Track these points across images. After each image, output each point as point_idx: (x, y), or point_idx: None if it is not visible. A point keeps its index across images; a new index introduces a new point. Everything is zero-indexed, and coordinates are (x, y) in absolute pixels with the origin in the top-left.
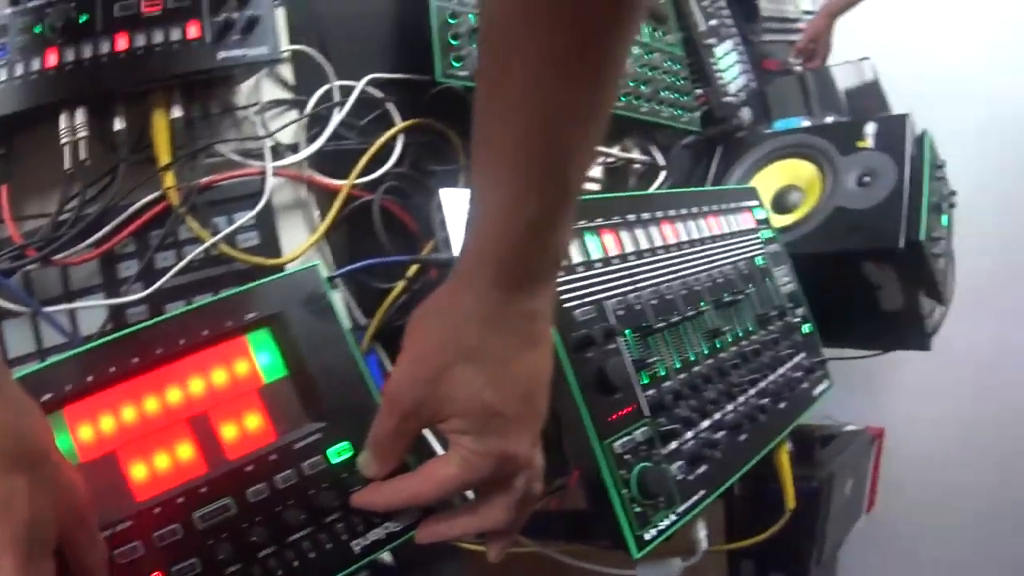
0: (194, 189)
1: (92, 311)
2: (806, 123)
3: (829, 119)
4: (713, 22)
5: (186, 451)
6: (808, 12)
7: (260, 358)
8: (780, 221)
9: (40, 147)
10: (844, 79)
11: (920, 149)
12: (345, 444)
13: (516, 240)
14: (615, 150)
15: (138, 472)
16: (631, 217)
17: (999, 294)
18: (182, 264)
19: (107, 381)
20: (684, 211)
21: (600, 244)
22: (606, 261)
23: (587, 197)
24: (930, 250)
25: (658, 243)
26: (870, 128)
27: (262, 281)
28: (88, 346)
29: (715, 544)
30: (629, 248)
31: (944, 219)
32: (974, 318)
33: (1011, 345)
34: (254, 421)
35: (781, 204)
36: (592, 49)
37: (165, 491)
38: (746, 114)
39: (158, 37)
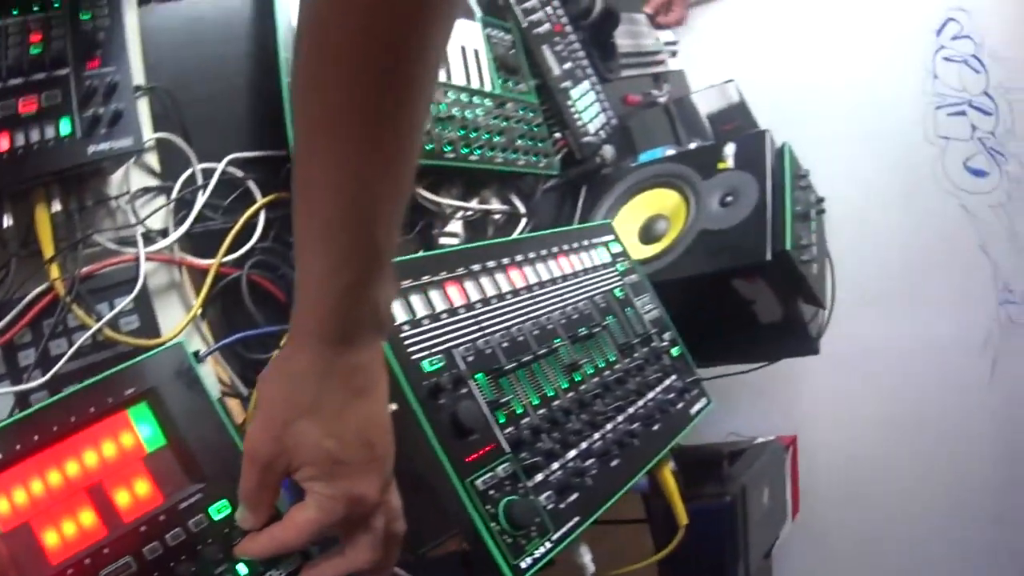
0: (77, 279)
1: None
2: (670, 152)
3: (694, 145)
4: (568, 65)
5: (88, 517)
6: (670, 43)
7: (141, 430)
8: (648, 251)
9: None
10: (708, 104)
11: (780, 162)
12: (224, 502)
13: (336, 302)
14: (473, 203)
15: (50, 539)
16: (475, 267)
17: (895, 290)
18: (72, 351)
19: (15, 458)
20: (532, 255)
21: (444, 296)
22: (452, 312)
23: (428, 253)
24: (799, 258)
25: (505, 289)
26: (729, 149)
27: (134, 360)
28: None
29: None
30: (475, 297)
31: (813, 225)
32: (869, 316)
33: (907, 338)
34: (143, 487)
35: (648, 234)
36: (387, 133)
37: (74, 554)
38: (609, 151)
39: (35, 135)
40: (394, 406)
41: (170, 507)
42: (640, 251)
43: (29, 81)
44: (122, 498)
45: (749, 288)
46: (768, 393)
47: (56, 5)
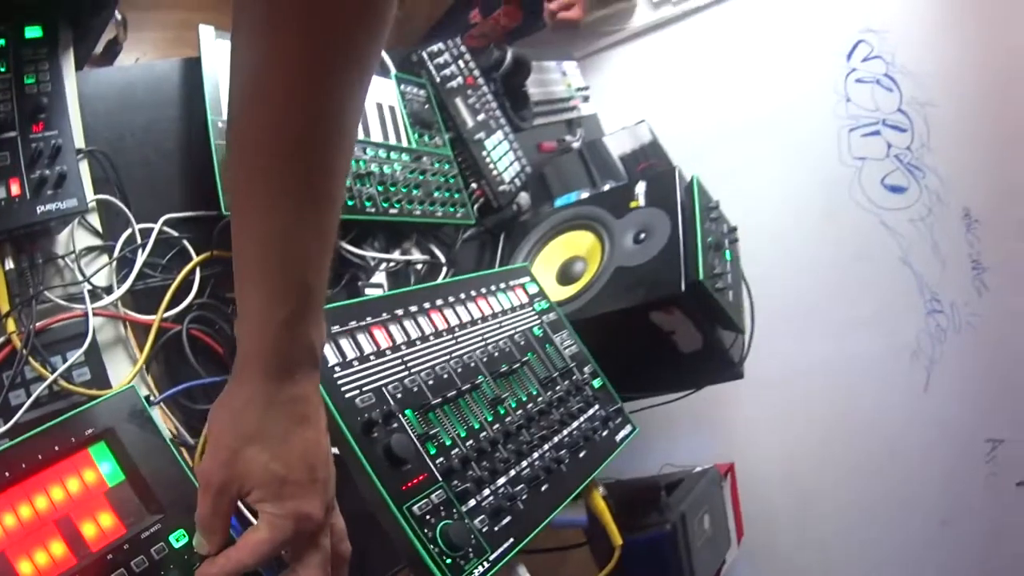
0: (32, 333)
1: None
2: (584, 195)
3: (607, 187)
4: (481, 117)
5: (58, 548)
6: (581, 88)
7: (102, 466)
8: (568, 292)
9: None
10: (622, 145)
11: (690, 196)
12: (181, 531)
13: (272, 339)
14: (396, 254)
15: (25, 568)
16: (398, 312)
17: (822, 310)
18: (30, 401)
19: None
20: (451, 299)
21: (372, 340)
22: (379, 353)
23: (355, 300)
24: (713, 286)
25: (428, 331)
26: (640, 188)
27: (92, 403)
28: None
29: None
30: (400, 340)
31: (727, 254)
32: (798, 337)
33: (838, 356)
34: (106, 519)
35: (567, 276)
36: (308, 191)
37: None
38: (524, 199)
39: None
40: (335, 450)
41: (132, 536)
42: (560, 292)
43: None
44: (88, 529)
45: (668, 320)
46: (704, 422)
47: (2, 69)
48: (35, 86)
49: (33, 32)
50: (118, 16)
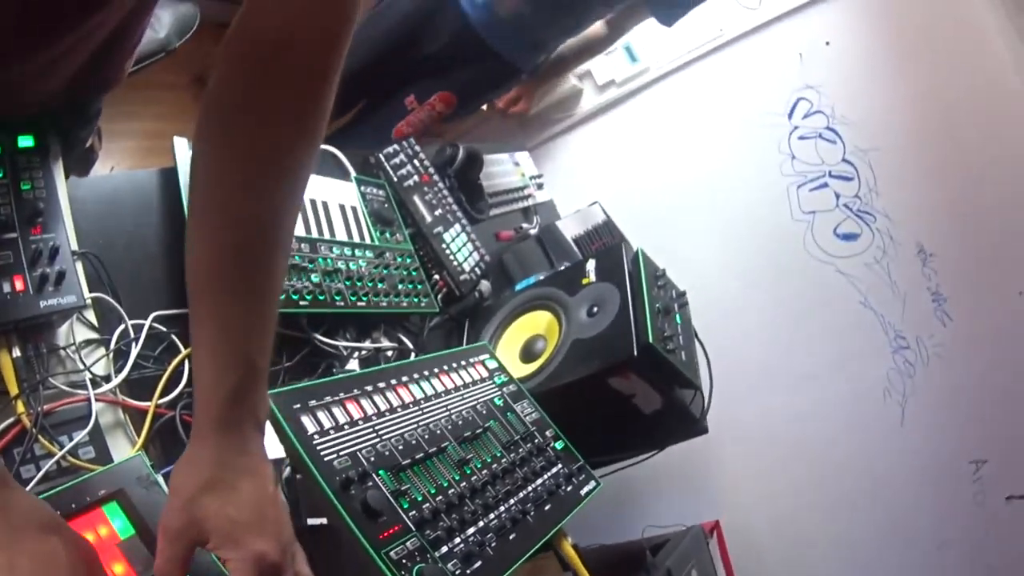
0: (40, 414)
1: None
2: (542, 276)
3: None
4: (439, 211)
5: None
6: (535, 176)
7: (115, 522)
8: (531, 368)
9: None
10: (576, 227)
11: (636, 267)
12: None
13: (222, 405)
14: (366, 343)
15: None
16: (368, 388)
17: (789, 362)
18: (40, 475)
19: None
20: (416, 375)
21: (346, 412)
22: (352, 423)
23: (330, 379)
24: (664, 348)
25: (395, 403)
26: (590, 265)
27: (105, 468)
28: None
29: None
30: (371, 411)
31: (678, 317)
32: (768, 390)
33: (811, 403)
34: (120, 568)
35: (529, 354)
36: (248, 290)
37: None
38: (485, 286)
39: None
40: (324, 520)
41: None
42: (524, 369)
43: None
44: None
45: (626, 384)
46: (686, 483)
47: (0, 175)
48: (31, 192)
49: (26, 141)
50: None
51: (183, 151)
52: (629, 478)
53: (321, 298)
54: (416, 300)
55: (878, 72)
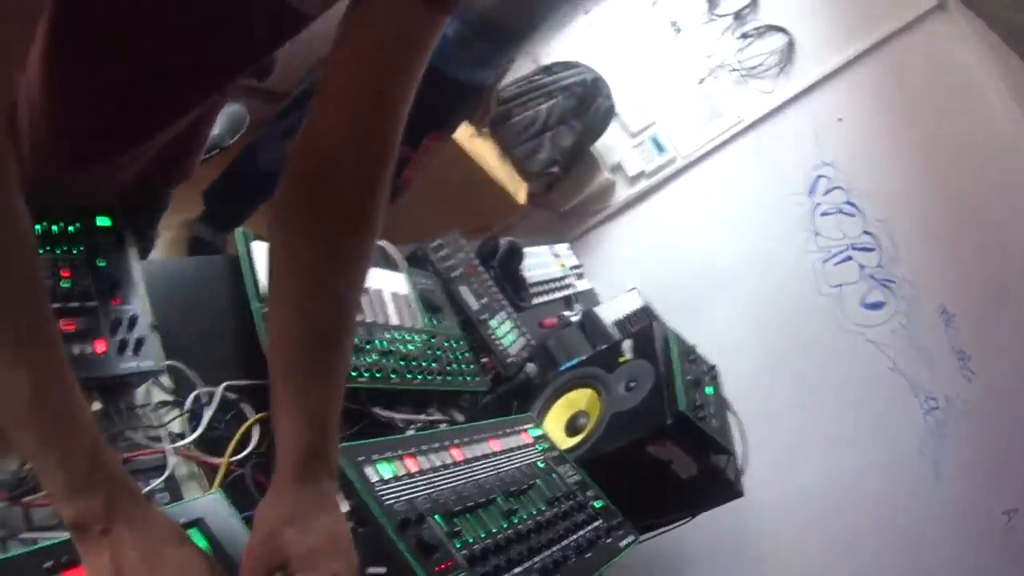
0: (120, 461)
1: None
2: (583, 358)
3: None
4: (484, 300)
5: None
6: (575, 267)
7: (199, 544)
8: (574, 441)
9: None
10: (616, 312)
11: (667, 346)
12: None
13: (300, 457)
14: (422, 416)
15: None
16: (424, 447)
17: (825, 432)
18: None
19: None
20: (467, 439)
21: (404, 465)
22: (410, 476)
23: (391, 437)
24: (696, 416)
25: (448, 461)
26: (626, 345)
27: (191, 499)
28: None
29: None
30: (426, 466)
31: (709, 389)
32: (804, 461)
33: (847, 471)
34: None
35: (573, 428)
36: (328, 358)
37: None
38: (531, 369)
39: (76, 350)
40: (383, 569)
41: None
42: (569, 442)
43: (65, 307)
44: None
45: (663, 451)
46: (722, 551)
47: (77, 251)
48: (107, 268)
49: (103, 222)
50: None
51: (242, 244)
52: (666, 544)
53: (378, 375)
54: (467, 379)
55: (890, 142)
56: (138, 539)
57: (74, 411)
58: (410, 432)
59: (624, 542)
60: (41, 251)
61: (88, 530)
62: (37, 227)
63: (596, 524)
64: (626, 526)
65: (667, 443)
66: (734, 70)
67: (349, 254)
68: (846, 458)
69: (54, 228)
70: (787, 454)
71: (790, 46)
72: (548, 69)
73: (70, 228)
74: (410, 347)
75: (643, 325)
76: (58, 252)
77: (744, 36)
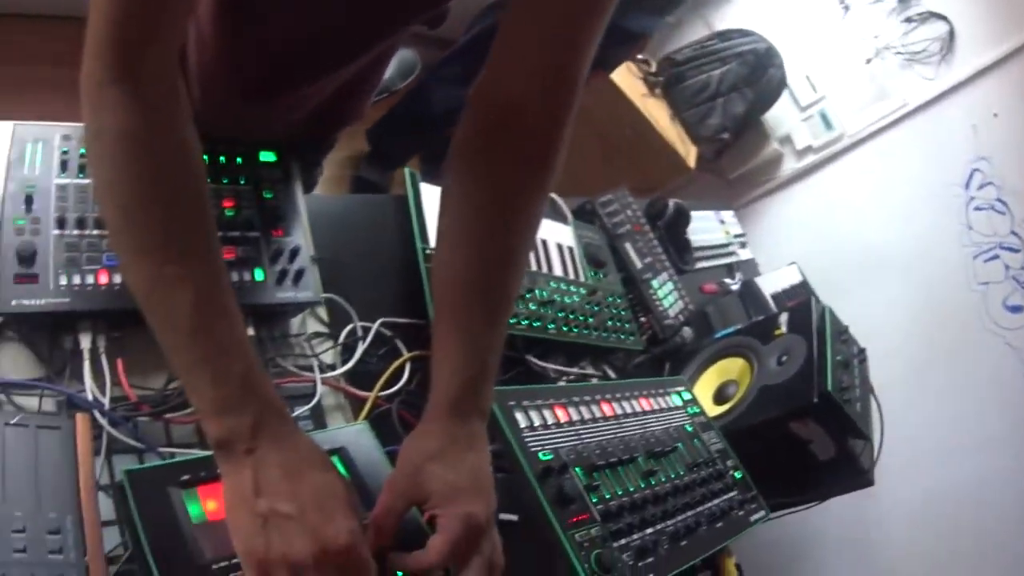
0: (272, 385)
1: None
2: (740, 327)
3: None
4: (648, 259)
5: None
6: (739, 235)
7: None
8: (721, 409)
9: (146, 337)
10: (774, 285)
11: (823, 323)
12: None
13: (456, 393)
14: (575, 369)
15: None
16: (575, 398)
17: (953, 434)
18: None
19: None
20: (619, 394)
21: (554, 414)
22: (558, 425)
23: (545, 385)
24: (842, 398)
25: (598, 415)
26: (783, 318)
27: (336, 427)
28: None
29: None
30: (576, 418)
31: (856, 371)
32: (930, 461)
33: (971, 480)
34: None
35: (721, 397)
36: (494, 304)
37: None
38: (687, 333)
39: (235, 276)
40: (515, 517)
41: None
42: (715, 410)
43: (226, 236)
44: None
45: (805, 430)
46: (845, 540)
47: (243, 182)
48: (272, 200)
49: (268, 157)
50: None
51: (413, 183)
52: (785, 523)
53: (536, 324)
54: (623, 337)
55: None
56: (282, 459)
57: (233, 332)
58: (563, 382)
59: (755, 516)
60: (208, 180)
61: (233, 448)
62: (204, 157)
63: (731, 495)
64: (759, 500)
65: (809, 422)
66: (898, 53)
67: (526, 199)
68: (980, 462)
69: (220, 159)
70: (921, 449)
71: (951, 35)
72: (723, 35)
73: (236, 160)
74: (570, 299)
75: (801, 300)
76: (224, 182)
77: (908, 20)
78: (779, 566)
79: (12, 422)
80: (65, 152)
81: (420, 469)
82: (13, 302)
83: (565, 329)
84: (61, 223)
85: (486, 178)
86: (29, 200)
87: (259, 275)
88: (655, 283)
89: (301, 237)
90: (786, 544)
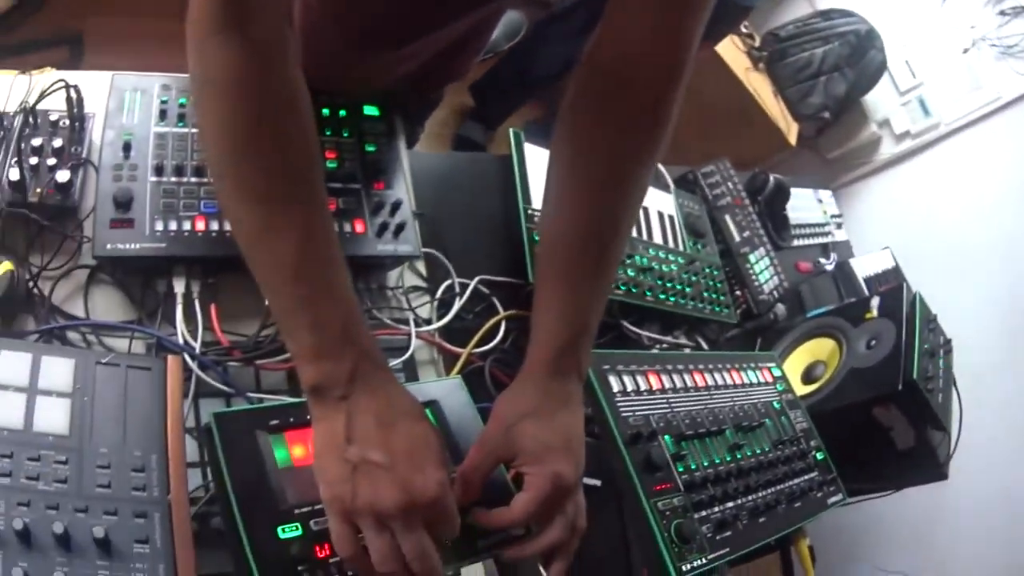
0: (370, 334)
1: None
2: (832, 308)
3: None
4: (746, 233)
5: None
6: (835, 216)
7: None
8: (808, 389)
9: (241, 284)
10: (868, 268)
11: (913, 309)
12: None
13: (555, 352)
14: (668, 338)
15: None
16: (669, 366)
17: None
18: None
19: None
20: (711, 366)
21: (647, 380)
22: (650, 392)
23: (640, 351)
24: (925, 387)
25: (690, 384)
26: (875, 301)
27: (429, 380)
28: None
29: None
30: (668, 385)
31: (941, 362)
32: (1009, 456)
33: None
34: None
35: (809, 376)
36: (602, 267)
37: None
38: (780, 310)
39: (335, 227)
40: (598, 483)
41: None
42: (802, 389)
43: (328, 188)
44: None
45: (887, 416)
46: (913, 533)
47: (346, 135)
48: (375, 153)
49: (371, 111)
50: None
51: (519, 143)
52: (856, 510)
53: (634, 290)
54: (717, 309)
55: None
56: (376, 408)
57: (335, 277)
58: (656, 350)
59: (832, 499)
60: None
61: (327, 394)
62: None
63: (811, 476)
64: (838, 483)
65: (893, 409)
66: (993, 45)
67: (635, 163)
68: None
69: (324, 112)
70: (998, 449)
71: None
72: (825, 14)
73: (340, 113)
74: (668, 268)
75: (893, 285)
76: (327, 134)
77: (1002, 13)
78: (842, 552)
79: (104, 361)
80: (164, 101)
81: (513, 426)
82: (108, 246)
83: (662, 297)
84: (159, 170)
85: (597, 140)
86: (127, 147)
87: (359, 227)
88: (752, 257)
89: (403, 191)
90: (850, 531)
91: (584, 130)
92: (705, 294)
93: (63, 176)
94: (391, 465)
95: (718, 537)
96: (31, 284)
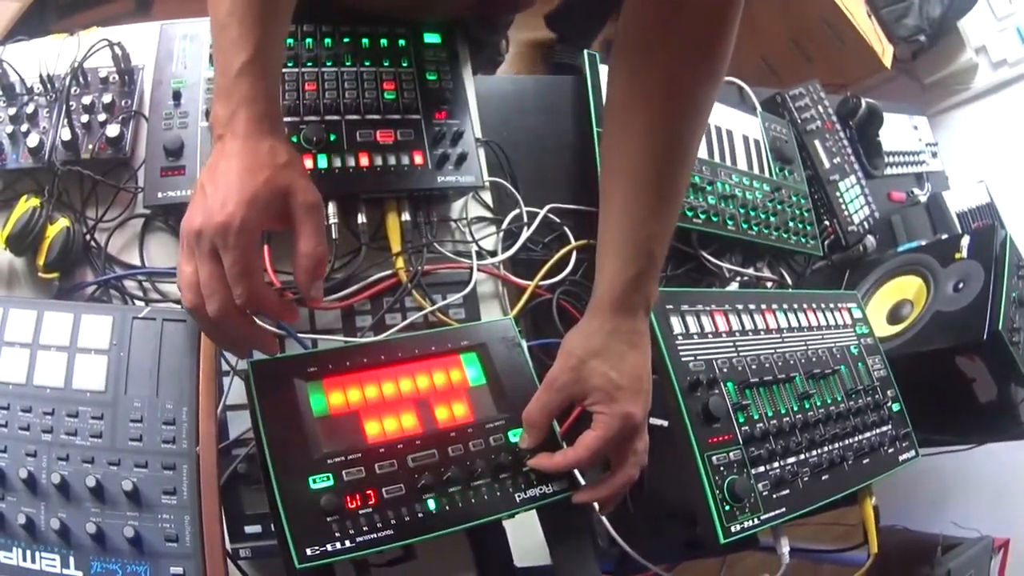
0: (419, 272)
1: (329, 344)
2: (923, 243)
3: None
4: (836, 160)
5: (409, 420)
6: (931, 144)
7: (469, 371)
8: (893, 330)
9: None
10: (961, 202)
11: (1004, 252)
12: (520, 430)
13: (623, 288)
14: (749, 270)
15: (371, 428)
16: (739, 305)
17: None
18: (406, 323)
19: (360, 368)
20: (785, 305)
21: (712, 322)
22: (716, 334)
23: (706, 289)
24: (1010, 339)
25: (760, 326)
26: (965, 241)
27: (475, 323)
28: (353, 343)
29: None
30: (735, 327)
31: None
32: None
33: None
34: (460, 408)
35: (894, 316)
36: (665, 189)
37: (389, 440)
38: (870, 242)
39: (392, 160)
40: (665, 423)
41: (478, 424)
42: (886, 330)
43: (385, 119)
44: (441, 412)
45: (971, 367)
46: (995, 491)
47: (405, 64)
48: (436, 82)
49: (432, 38)
50: None
51: (591, 64)
52: (927, 463)
53: (714, 219)
54: (803, 240)
55: None
56: (239, 150)
57: (243, 25)
58: (732, 286)
59: (904, 456)
60: (368, 63)
61: (213, 133)
62: (366, 40)
63: (884, 429)
64: (911, 439)
65: (977, 359)
66: None
67: (694, 86)
68: None
69: (382, 42)
70: None
71: None
72: None
73: (399, 43)
74: (752, 195)
75: (985, 224)
76: (385, 64)
77: None
78: (910, 508)
79: (141, 316)
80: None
81: (582, 365)
82: (160, 194)
83: (744, 226)
84: (209, 116)
85: (655, 64)
86: (177, 95)
87: (418, 159)
88: (842, 186)
89: (466, 120)
90: (922, 483)
91: (641, 54)
92: (791, 224)
93: (113, 130)
94: (208, 194)
95: (775, 496)
96: (87, 237)
